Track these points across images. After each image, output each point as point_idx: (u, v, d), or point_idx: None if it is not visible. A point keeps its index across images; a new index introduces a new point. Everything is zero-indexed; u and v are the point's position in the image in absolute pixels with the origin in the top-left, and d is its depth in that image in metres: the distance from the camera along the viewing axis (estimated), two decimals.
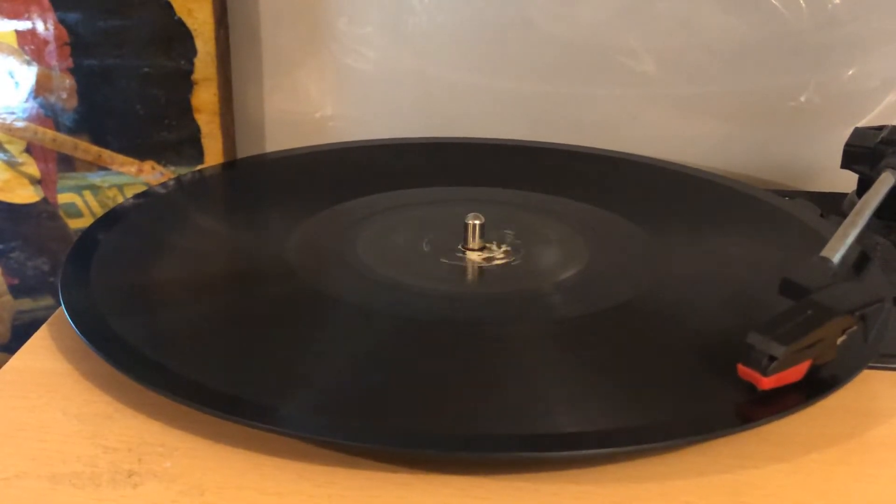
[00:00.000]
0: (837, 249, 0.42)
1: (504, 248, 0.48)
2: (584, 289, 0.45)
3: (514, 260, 0.47)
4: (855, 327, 0.37)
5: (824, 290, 0.38)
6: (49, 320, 0.44)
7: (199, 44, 0.59)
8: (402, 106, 0.65)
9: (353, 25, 0.64)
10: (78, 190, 0.62)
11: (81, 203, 0.62)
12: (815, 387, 0.36)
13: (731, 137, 0.64)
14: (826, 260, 0.42)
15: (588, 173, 0.59)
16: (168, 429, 0.36)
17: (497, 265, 0.47)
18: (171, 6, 0.58)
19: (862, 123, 0.61)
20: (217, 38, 0.60)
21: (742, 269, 0.47)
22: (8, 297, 0.64)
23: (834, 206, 0.54)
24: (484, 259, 0.47)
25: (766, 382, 0.35)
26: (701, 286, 0.45)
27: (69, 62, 0.59)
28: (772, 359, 0.35)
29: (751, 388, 0.35)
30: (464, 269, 0.47)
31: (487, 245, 0.48)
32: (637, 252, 0.49)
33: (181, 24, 0.59)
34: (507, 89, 0.64)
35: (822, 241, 0.44)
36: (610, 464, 0.34)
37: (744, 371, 0.36)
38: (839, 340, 0.37)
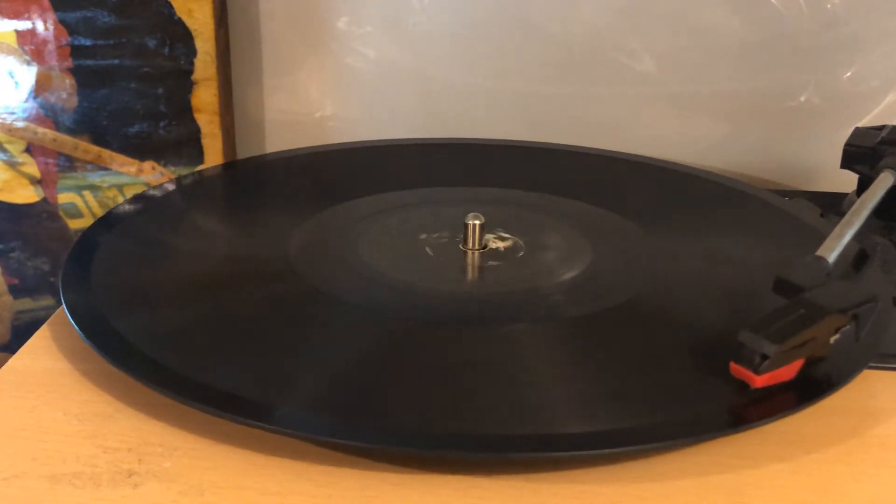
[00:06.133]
0: (833, 249, 0.42)
1: (504, 248, 0.48)
2: (585, 289, 0.45)
3: (514, 260, 0.47)
4: (848, 326, 0.37)
5: (818, 288, 0.38)
6: (49, 320, 0.44)
7: (199, 44, 0.59)
8: (402, 106, 0.65)
9: (353, 25, 0.64)
10: (78, 190, 0.62)
11: (81, 203, 0.62)
12: (815, 387, 0.36)
13: (731, 137, 0.64)
14: (821, 259, 0.41)
15: (588, 173, 0.59)
16: (168, 429, 0.36)
17: (497, 265, 0.47)
18: (171, 6, 0.58)
19: (862, 123, 0.61)
20: (217, 38, 0.60)
21: (742, 269, 0.47)
22: (8, 297, 0.64)
23: (834, 206, 0.54)
24: (484, 259, 0.47)
25: (759, 381, 0.35)
26: (701, 286, 0.45)
27: (69, 62, 0.59)
28: (764, 357, 0.35)
29: (747, 387, 0.35)
30: (464, 269, 0.47)
31: (487, 245, 0.48)
32: (637, 252, 0.49)
33: (181, 24, 0.59)
34: (507, 89, 0.64)
35: (822, 241, 0.44)
36: (610, 464, 0.34)
37: (736, 369, 0.36)
38: (832, 339, 0.37)
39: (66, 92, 0.60)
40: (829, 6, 0.60)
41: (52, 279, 0.64)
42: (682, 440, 0.35)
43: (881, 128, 0.54)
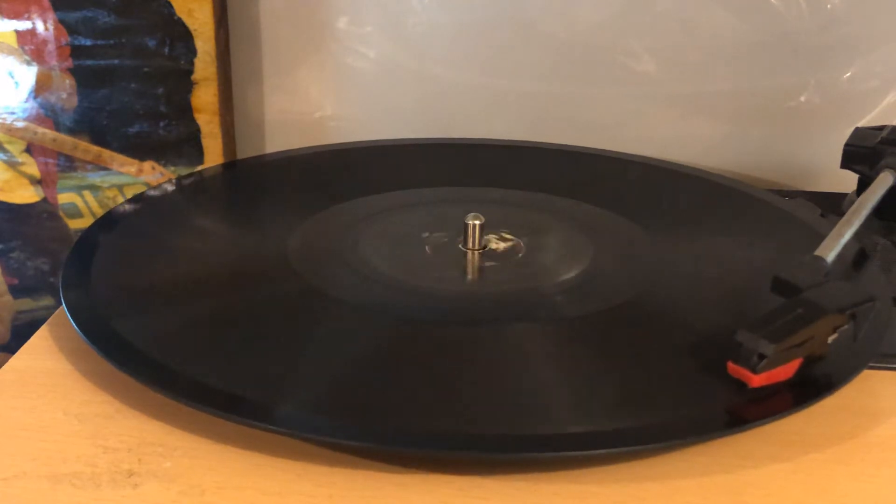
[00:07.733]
0: (831, 248, 0.42)
1: (504, 248, 0.48)
2: (585, 289, 0.45)
3: (514, 260, 0.47)
4: (846, 326, 0.37)
5: (816, 288, 0.38)
6: (49, 320, 0.44)
7: (199, 44, 0.59)
8: (402, 106, 0.65)
9: (353, 25, 0.64)
10: (78, 190, 0.62)
11: (81, 203, 0.62)
12: (815, 387, 0.36)
13: (731, 137, 0.64)
14: (819, 259, 0.41)
15: (588, 173, 0.59)
16: (168, 429, 0.36)
17: (497, 265, 0.47)
18: (171, 6, 0.58)
19: (862, 123, 0.61)
20: (217, 38, 0.60)
21: (742, 269, 0.47)
22: (8, 297, 0.64)
23: (834, 206, 0.54)
24: (484, 259, 0.47)
25: (756, 380, 0.35)
26: (701, 286, 0.45)
27: (69, 62, 0.59)
28: (761, 357, 0.35)
29: (745, 386, 0.35)
30: (464, 269, 0.47)
31: (487, 245, 0.48)
32: (637, 252, 0.49)
33: (181, 24, 0.59)
34: (507, 89, 0.64)
35: (822, 241, 0.44)
36: (610, 464, 0.34)
37: (733, 369, 0.36)
38: (830, 339, 0.37)
39: (66, 92, 0.60)
40: (829, 6, 0.60)
41: (52, 279, 0.64)
42: (682, 440, 0.35)
43: (881, 128, 0.54)
